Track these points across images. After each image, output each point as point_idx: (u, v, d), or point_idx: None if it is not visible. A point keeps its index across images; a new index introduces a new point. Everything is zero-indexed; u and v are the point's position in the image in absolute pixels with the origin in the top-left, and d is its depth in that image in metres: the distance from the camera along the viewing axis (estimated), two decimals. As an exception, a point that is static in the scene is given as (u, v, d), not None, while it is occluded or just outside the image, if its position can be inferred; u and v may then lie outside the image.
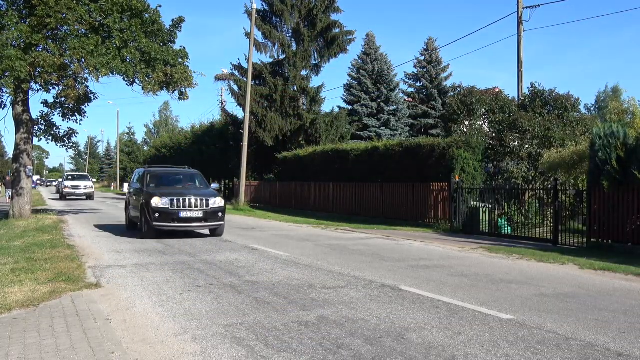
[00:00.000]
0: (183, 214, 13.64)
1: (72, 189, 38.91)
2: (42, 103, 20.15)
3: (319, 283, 8.01)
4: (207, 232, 14.76)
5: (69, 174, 46.84)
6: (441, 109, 36.09)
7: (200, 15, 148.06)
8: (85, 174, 50.14)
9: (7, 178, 25.93)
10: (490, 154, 18.77)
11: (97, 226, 17.50)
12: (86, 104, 20.39)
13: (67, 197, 38.69)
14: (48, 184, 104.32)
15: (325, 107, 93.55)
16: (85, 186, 39.35)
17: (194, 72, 18.91)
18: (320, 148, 26.50)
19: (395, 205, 19.80)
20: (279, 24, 32.56)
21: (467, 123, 20.05)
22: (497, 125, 18.88)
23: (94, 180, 41.24)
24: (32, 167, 20.18)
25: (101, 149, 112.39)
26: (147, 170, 16.13)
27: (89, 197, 39.11)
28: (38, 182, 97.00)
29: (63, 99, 19.04)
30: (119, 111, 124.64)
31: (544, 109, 19.24)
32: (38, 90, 19.23)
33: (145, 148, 74.84)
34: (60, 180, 48.78)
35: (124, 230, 16.19)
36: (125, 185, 72.89)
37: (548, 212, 14.59)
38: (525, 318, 6.01)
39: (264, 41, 32.08)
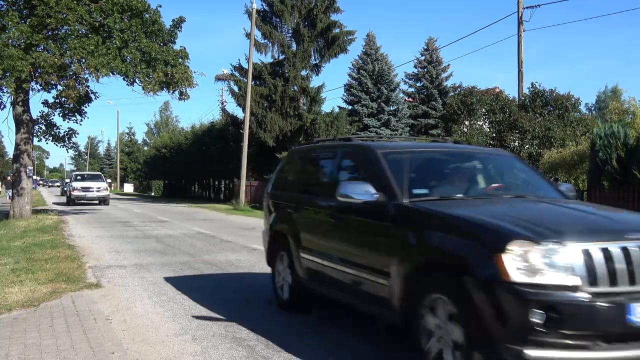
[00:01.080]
0: None
1: (83, 191, 32.11)
2: (42, 103, 20.18)
3: (320, 283, 7.97)
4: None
5: (77, 173, 38.15)
6: (441, 109, 36.09)
7: (200, 15, 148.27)
8: (98, 173, 40.32)
9: (8, 178, 25.76)
10: (491, 154, 18.77)
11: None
12: (86, 104, 20.41)
13: (77, 201, 32.01)
14: (50, 184, 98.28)
15: (326, 107, 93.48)
16: (99, 188, 32.52)
17: (194, 72, 18.94)
18: (320, 148, 26.49)
19: (396, 205, 19.74)
20: (279, 24, 32.59)
21: (467, 123, 20.06)
22: (498, 125, 18.89)
23: (109, 181, 34.18)
24: (32, 167, 20.19)
25: (101, 149, 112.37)
26: (380, 148, 5.22)
27: (103, 201, 32.43)
28: (40, 182, 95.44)
29: (63, 99, 19.05)
30: (119, 111, 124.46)
31: (544, 109, 19.25)
32: (38, 91, 19.26)
33: (146, 148, 74.90)
34: (67, 181, 41.04)
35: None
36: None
37: (548, 212, 14.58)
38: (525, 318, 5.98)
39: (263, 41, 32.12)
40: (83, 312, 6.19)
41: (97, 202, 32.36)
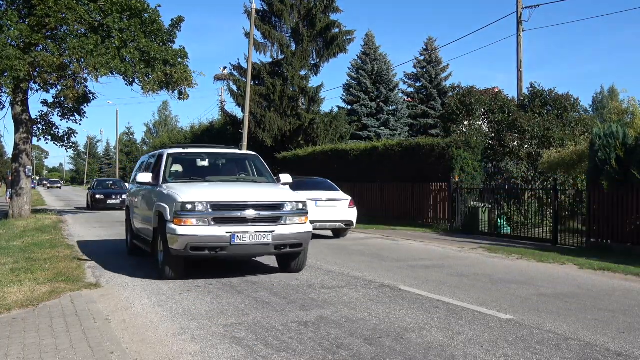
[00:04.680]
0: None
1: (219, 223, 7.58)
2: (41, 103, 20.20)
3: (319, 283, 8.00)
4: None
5: (177, 153, 9.42)
6: (441, 109, 36.08)
7: (200, 15, 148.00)
8: (246, 152, 12.50)
9: (10, 178, 25.43)
10: (490, 153, 18.76)
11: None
12: (85, 104, 20.41)
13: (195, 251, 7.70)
14: (49, 185, 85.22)
15: (325, 107, 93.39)
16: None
17: (194, 72, 18.94)
18: (319, 148, 26.48)
19: (395, 205, 19.79)
20: (278, 24, 32.57)
21: (466, 123, 20.06)
22: (497, 125, 18.87)
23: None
24: (31, 167, 20.18)
25: (100, 149, 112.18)
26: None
27: (294, 259, 8.58)
28: (44, 182, 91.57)
29: (62, 99, 19.05)
30: (118, 111, 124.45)
31: (543, 109, 19.24)
32: (37, 90, 19.26)
33: (145, 148, 74.86)
34: (136, 176, 9.73)
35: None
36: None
37: (547, 212, 14.59)
38: (524, 318, 6.01)
39: (263, 41, 32.09)
40: (82, 312, 6.19)
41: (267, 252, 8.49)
